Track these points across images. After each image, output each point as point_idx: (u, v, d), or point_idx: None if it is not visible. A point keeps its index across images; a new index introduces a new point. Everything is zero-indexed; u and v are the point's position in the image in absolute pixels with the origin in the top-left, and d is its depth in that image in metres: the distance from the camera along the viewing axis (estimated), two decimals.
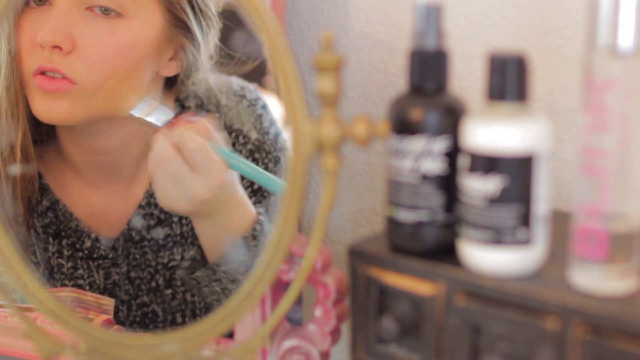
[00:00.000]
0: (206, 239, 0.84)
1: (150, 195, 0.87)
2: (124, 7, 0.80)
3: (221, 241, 0.84)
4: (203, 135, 0.80)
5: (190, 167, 0.79)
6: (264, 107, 0.86)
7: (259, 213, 0.83)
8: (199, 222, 0.84)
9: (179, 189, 0.79)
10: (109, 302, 0.85)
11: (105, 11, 0.81)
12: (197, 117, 0.81)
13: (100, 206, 0.88)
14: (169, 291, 0.87)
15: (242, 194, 0.83)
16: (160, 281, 0.87)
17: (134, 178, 0.88)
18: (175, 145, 0.79)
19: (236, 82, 0.87)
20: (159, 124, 0.81)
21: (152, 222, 0.87)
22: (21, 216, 0.85)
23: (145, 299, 0.88)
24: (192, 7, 0.83)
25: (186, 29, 0.83)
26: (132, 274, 0.87)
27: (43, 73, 0.81)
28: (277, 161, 0.86)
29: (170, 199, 0.80)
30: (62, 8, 0.80)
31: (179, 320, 0.88)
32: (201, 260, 0.85)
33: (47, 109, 0.82)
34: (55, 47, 0.80)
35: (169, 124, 0.81)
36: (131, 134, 0.86)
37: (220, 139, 0.81)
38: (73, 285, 0.87)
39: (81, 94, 0.81)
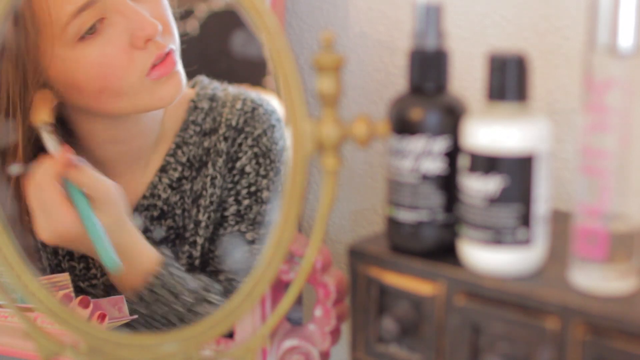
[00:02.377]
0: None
1: (153, 186, 0.87)
2: None
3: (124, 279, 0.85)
4: (60, 173, 0.80)
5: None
6: (278, 120, 0.87)
7: (165, 264, 0.84)
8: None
9: (45, 217, 0.81)
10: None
11: None
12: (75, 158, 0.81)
13: None
14: None
15: (135, 244, 0.84)
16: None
17: (147, 165, 0.88)
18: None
19: (256, 93, 0.89)
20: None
21: (154, 214, 0.87)
22: (24, 222, 0.85)
23: None
24: None
25: None
26: None
27: (154, 66, 0.81)
28: (277, 172, 0.86)
29: (37, 225, 0.81)
30: (133, 8, 0.80)
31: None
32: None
33: (173, 90, 0.83)
34: (149, 39, 0.81)
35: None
36: (149, 120, 0.88)
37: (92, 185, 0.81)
38: (87, 286, 0.87)
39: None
